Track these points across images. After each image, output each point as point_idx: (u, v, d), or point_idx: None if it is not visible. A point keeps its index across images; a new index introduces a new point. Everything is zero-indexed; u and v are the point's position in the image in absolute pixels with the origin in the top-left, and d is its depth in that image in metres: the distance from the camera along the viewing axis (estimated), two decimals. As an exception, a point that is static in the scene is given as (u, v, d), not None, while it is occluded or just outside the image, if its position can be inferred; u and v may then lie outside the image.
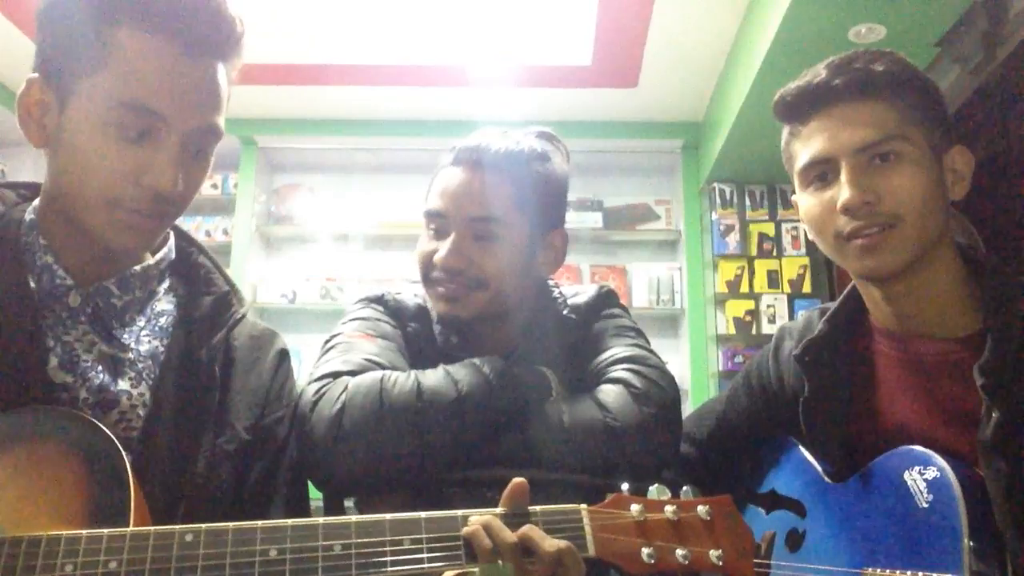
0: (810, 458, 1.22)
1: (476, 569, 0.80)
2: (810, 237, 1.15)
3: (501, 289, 1.15)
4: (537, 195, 1.17)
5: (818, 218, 1.08)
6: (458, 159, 1.17)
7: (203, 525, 0.77)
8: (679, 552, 0.81)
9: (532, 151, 1.18)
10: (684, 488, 0.86)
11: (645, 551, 0.81)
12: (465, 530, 0.79)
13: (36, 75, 0.89)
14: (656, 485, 0.85)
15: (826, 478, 1.18)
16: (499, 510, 0.82)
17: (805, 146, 1.08)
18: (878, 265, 1.04)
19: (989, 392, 0.96)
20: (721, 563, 0.81)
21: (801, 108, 1.09)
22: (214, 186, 4.08)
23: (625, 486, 0.85)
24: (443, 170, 1.18)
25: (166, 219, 0.92)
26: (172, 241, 1.03)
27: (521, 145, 1.18)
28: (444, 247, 1.13)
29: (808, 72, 1.09)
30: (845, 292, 1.20)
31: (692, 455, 1.38)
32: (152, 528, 0.76)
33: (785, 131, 1.14)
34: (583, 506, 0.83)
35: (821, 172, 1.07)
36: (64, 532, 0.74)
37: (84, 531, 0.75)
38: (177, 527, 0.76)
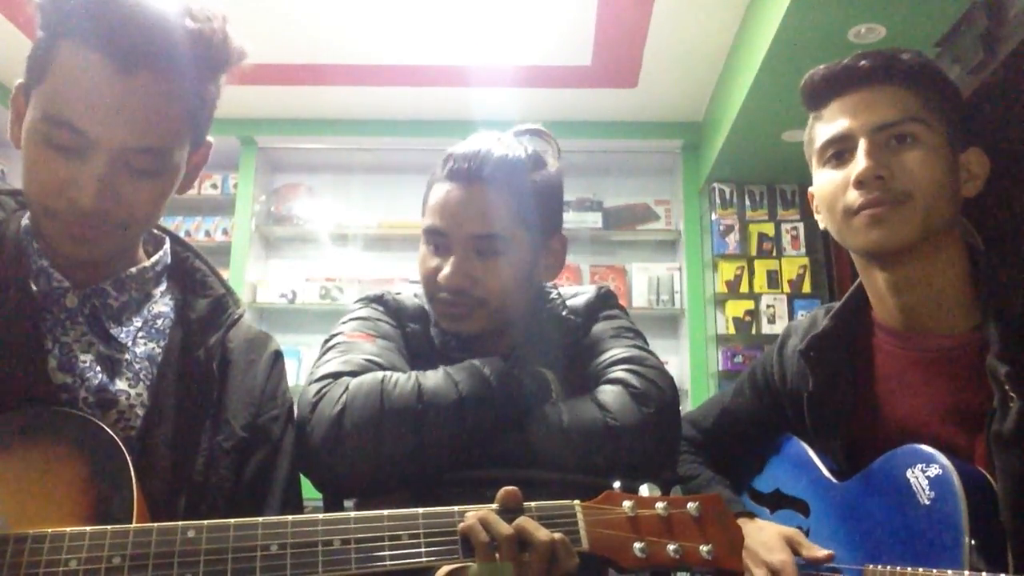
0: (814, 457, 1.23)
1: (473, 564, 0.81)
2: (819, 220, 1.18)
3: (504, 305, 1.15)
4: (536, 204, 1.17)
5: (830, 194, 1.11)
6: (453, 173, 1.13)
7: (205, 521, 0.78)
8: (670, 547, 0.83)
9: (528, 158, 1.17)
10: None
11: (637, 545, 0.82)
12: (462, 525, 0.80)
13: (20, 81, 0.90)
14: (647, 484, 0.86)
15: (830, 477, 1.19)
16: (494, 506, 0.83)
17: (826, 125, 1.12)
18: (882, 238, 1.06)
19: (1014, 379, 0.97)
20: (711, 557, 0.83)
21: (826, 90, 1.13)
22: (214, 186, 4.08)
23: (617, 484, 0.86)
24: (438, 184, 1.15)
25: (108, 235, 0.89)
26: (168, 245, 1.04)
27: (517, 153, 1.16)
28: (447, 266, 1.12)
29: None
30: (851, 289, 1.22)
31: (697, 438, 1.40)
32: (155, 524, 0.77)
33: (810, 117, 1.17)
34: (576, 502, 0.85)
35: (839, 150, 1.11)
36: (68, 528, 0.75)
37: (88, 527, 0.76)
38: (179, 523, 0.77)
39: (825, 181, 1.12)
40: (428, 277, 1.15)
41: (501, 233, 1.12)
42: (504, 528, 0.80)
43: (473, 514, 0.81)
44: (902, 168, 1.05)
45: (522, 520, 0.81)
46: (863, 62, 1.09)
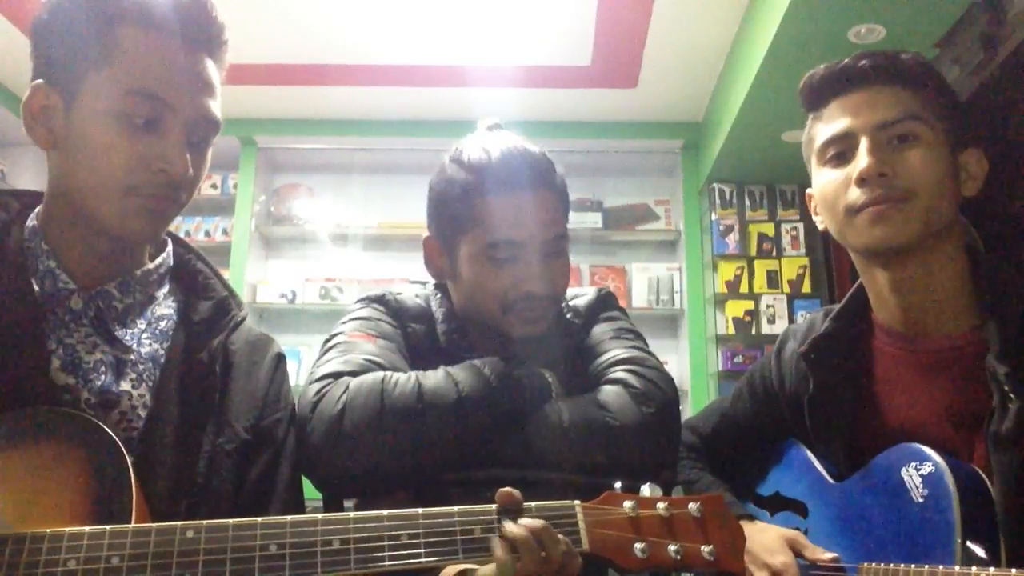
0: (813, 459, 1.24)
1: (475, 565, 0.81)
2: (817, 222, 1.18)
3: (563, 299, 1.21)
4: (565, 199, 1.22)
5: (832, 193, 1.11)
6: (507, 182, 1.12)
7: (204, 521, 0.78)
8: (671, 548, 0.82)
9: (541, 154, 1.19)
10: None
11: (638, 546, 0.82)
12: (511, 533, 0.80)
13: (40, 81, 0.92)
14: (648, 484, 0.86)
15: (828, 478, 1.20)
16: (493, 506, 0.83)
17: (827, 125, 1.12)
18: (885, 235, 1.05)
19: (1013, 380, 0.97)
20: (712, 558, 0.82)
21: (826, 90, 1.13)
22: (214, 186, 4.09)
23: (618, 484, 0.86)
24: (490, 197, 1.12)
25: (177, 204, 0.95)
26: (170, 248, 1.05)
27: (534, 150, 1.18)
28: (531, 275, 1.12)
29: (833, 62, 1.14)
30: (851, 291, 1.22)
31: (697, 444, 1.41)
32: (154, 524, 0.77)
33: (809, 118, 1.17)
34: (577, 502, 0.85)
35: (839, 150, 1.10)
36: (67, 528, 0.75)
37: (87, 527, 0.75)
38: (178, 523, 0.77)
39: (825, 180, 1.12)
40: (505, 290, 1.13)
41: (565, 232, 1.18)
42: (559, 551, 0.80)
43: (526, 522, 0.81)
44: (904, 166, 1.05)
45: (542, 527, 0.81)
46: (863, 62, 1.09)
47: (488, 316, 1.17)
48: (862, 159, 1.05)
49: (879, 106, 1.07)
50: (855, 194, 1.07)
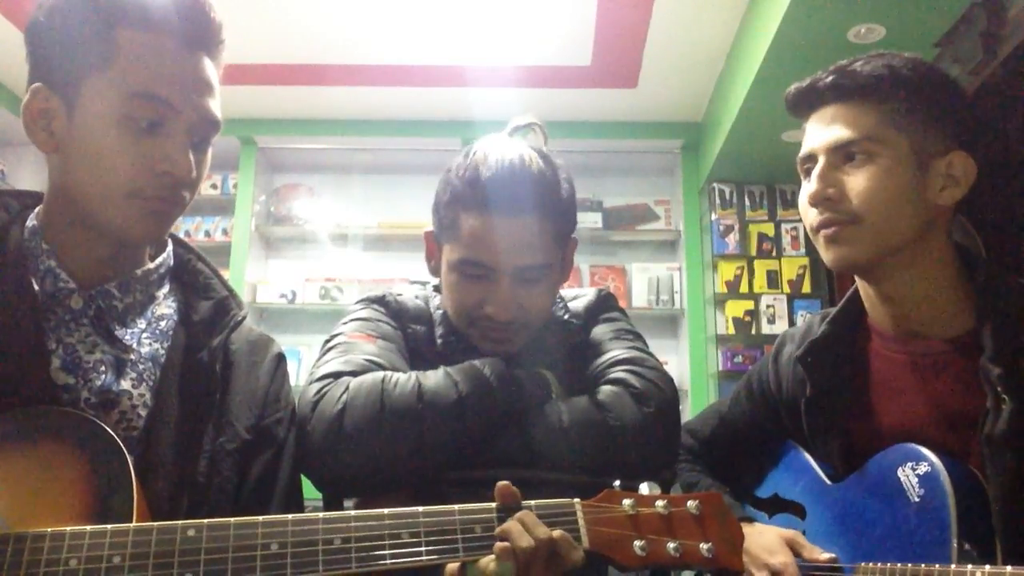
0: (811, 461, 1.25)
1: (479, 559, 0.81)
2: None
3: (543, 321, 1.17)
4: (566, 220, 1.17)
5: (802, 211, 1.15)
6: (488, 203, 1.08)
7: (205, 520, 0.78)
8: (670, 545, 0.83)
9: (554, 173, 1.14)
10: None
11: (637, 544, 0.83)
12: (502, 527, 0.81)
13: (39, 84, 0.91)
14: (646, 482, 0.87)
15: (825, 479, 1.20)
16: (494, 504, 0.84)
17: (802, 141, 1.15)
18: (839, 256, 1.08)
19: (1006, 382, 0.97)
20: (711, 555, 0.83)
21: (800, 107, 1.15)
22: (214, 186, 4.09)
23: (617, 483, 0.87)
24: (471, 213, 1.09)
25: (181, 205, 0.95)
26: (170, 248, 1.05)
27: (546, 173, 1.13)
28: (494, 299, 1.10)
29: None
30: (847, 295, 1.22)
31: (695, 447, 1.41)
32: (155, 523, 0.77)
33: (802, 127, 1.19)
34: (576, 500, 0.85)
35: (808, 168, 1.13)
36: (68, 528, 0.75)
37: (88, 527, 0.76)
38: (179, 522, 0.77)
39: (800, 198, 1.15)
40: (469, 307, 1.13)
41: (547, 261, 1.12)
42: (544, 531, 0.81)
43: (515, 515, 0.82)
44: (853, 188, 1.05)
45: (524, 515, 0.82)
46: (824, 79, 1.10)
47: (458, 325, 1.18)
48: (811, 183, 1.09)
49: (835, 126, 1.08)
50: (812, 214, 1.10)
